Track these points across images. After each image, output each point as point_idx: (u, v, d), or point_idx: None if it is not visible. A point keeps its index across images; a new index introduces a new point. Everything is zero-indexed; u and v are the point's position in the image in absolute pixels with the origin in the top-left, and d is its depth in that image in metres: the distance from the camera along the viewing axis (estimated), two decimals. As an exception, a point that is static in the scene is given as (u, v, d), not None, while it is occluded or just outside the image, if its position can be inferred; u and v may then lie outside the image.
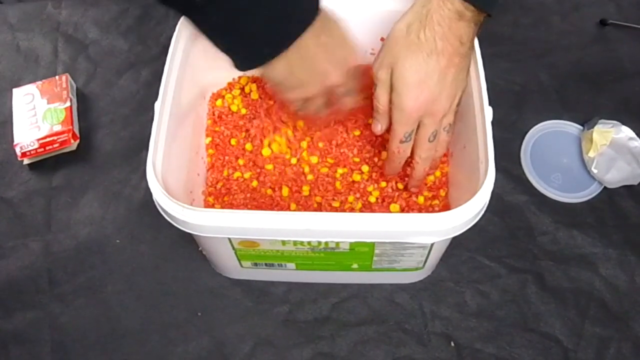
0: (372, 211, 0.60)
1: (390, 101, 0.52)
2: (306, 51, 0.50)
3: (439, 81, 0.51)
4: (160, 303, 0.62)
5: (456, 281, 0.62)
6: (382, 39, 0.64)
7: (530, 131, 0.71)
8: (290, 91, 0.54)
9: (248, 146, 0.64)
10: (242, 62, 0.51)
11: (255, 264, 0.58)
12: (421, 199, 0.60)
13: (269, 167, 0.62)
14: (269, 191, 0.61)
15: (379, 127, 0.55)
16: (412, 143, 0.55)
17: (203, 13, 0.48)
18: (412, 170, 0.57)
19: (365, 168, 0.62)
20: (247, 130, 0.65)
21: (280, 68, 0.51)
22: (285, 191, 0.61)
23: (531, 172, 0.69)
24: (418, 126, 0.53)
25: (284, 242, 0.51)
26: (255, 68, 0.52)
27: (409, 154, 0.56)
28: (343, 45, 0.53)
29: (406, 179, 0.60)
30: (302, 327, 0.61)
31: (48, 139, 0.69)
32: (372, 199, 0.60)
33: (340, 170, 0.62)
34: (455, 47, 0.50)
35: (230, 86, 0.68)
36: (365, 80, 0.56)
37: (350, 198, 0.60)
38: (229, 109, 0.66)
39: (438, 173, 0.62)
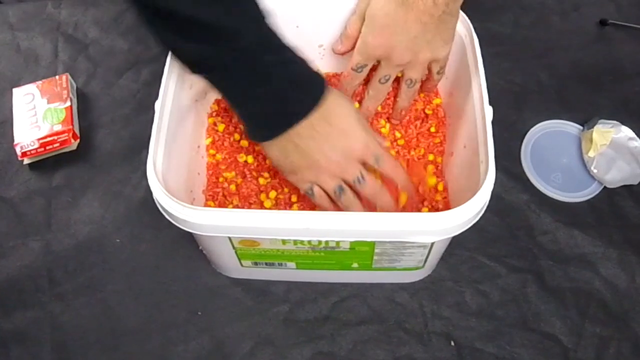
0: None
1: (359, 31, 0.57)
2: (299, 140, 0.51)
3: (401, 31, 0.53)
4: (160, 302, 0.62)
5: (456, 280, 0.63)
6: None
7: (530, 131, 0.71)
8: (287, 175, 0.55)
9: (243, 142, 0.64)
10: (246, 133, 0.55)
11: (256, 263, 0.58)
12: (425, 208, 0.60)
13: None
14: (273, 193, 0.61)
15: (339, 47, 0.60)
16: (363, 75, 0.59)
17: (211, 77, 0.50)
18: (360, 106, 0.62)
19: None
20: None
21: (275, 151, 0.53)
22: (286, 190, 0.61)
23: (531, 171, 0.69)
24: (376, 65, 0.58)
25: (284, 242, 0.51)
26: (264, 140, 0.53)
27: (357, 85, 0.61)
28: (344, 135, 0.52)
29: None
30: (302, 326, 0.61)
31: (48, 139, 0.69)
32: None
33: None
34: (427, 6, 0.51)
35: None
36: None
37: None
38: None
39: (434, 181, 0.62)
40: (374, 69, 0.59)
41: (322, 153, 0.51)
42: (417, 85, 0.59)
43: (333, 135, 0.51)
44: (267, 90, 0.49)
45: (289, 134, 0.51)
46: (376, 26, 0.54)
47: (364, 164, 0.53)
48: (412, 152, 0.63)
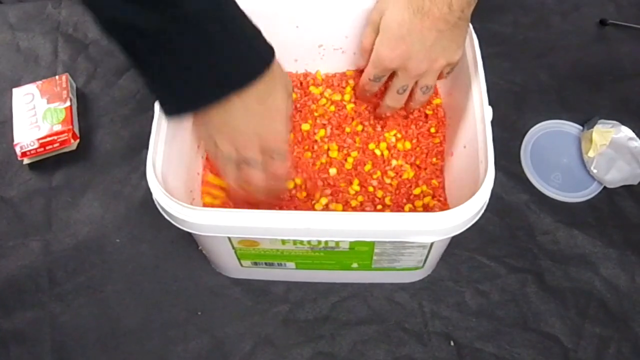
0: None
1: (373, 43, 0.55)
2: (226, 114, 0.48)
3: (418, 40, 0.52)
4: (160, 302, 0.62)
5: (456, 281, 0.62)
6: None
7: (530, 131, 0.71)
8: (221, 143, 0.51)
9: None
10: (177, 103, 0.48)
11: (255, 263, 0.58)
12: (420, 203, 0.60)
13: None
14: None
15: (361, 62, 0.60)
16: (379, 84, 0.59)
17: (147, 44, 0.45)
18: (378, 107, 0.62)
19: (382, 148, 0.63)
20: None
21: (216, 116, 0.48)
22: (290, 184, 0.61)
23: (531, 171, 0.69)
24: (393, 74, 0.57)
25: (283, 242, 0.51)
26: (189, 112, 0.49)
27: (374, 92, 0.61)
28: (268, 119, 0.50)
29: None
30: (302, 326, 0.61)
31: (48, 139, 0.69)
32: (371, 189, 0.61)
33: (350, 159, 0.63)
34: (443, 13, 0.50)
35: None
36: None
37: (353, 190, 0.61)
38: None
39: (434, 182, 0.62)
40: (389, 77, 0.58)
41: (241, 128, 0.49)
42: (432, 91, 0.59)
43: (258, 117, 0.49)
44: (205, 60, 0.45)
45: (219, 107, 0.47)
46: (391, 37, 0.53)
47: (263, 152, 0.51)
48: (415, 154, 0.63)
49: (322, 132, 0.64)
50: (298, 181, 0.61)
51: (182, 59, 0.45)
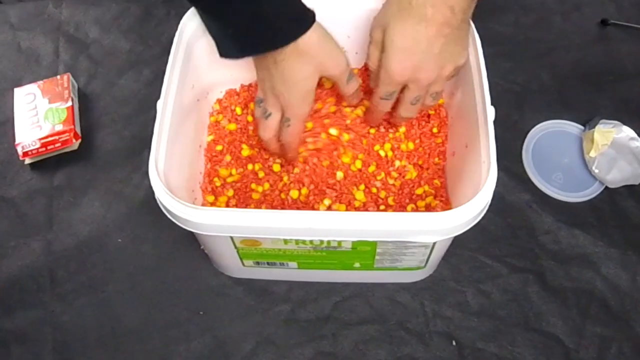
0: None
1: (380, 60, 0.54)
2: (275, 64, 0.52)
3: (426, 49, 0.51)
4: (161, 302, 0.62)
5: (458, 280, 0.63)
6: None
7: (532, 131, 0.71)
8: (260, 86, 0.55)
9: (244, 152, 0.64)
10: (233, 47, 0.52)
11: (257, 263, 0.58)
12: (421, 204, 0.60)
13: (276, 168, 0.62)
14: (267, 185, 0.61)
15: (372, 83, 0.57)
16: (393, 101, 0.57)
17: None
18: (391, 118, 0.61)
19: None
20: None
21: (268, 66, 0.52)
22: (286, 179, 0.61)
23: (533, 171, 0.69)
24: (404, 87, 0.55)
25: (285, 241, 0.51)
26: (243, 56, 0.52)
27: (387, 110, 0.58)
28: (294, 84, 0.53)
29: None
30: (303, 326, 0.61)
31: (49, 139, 0.69)
32: (374, 190, 0.61)
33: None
34: (446, 17, 0.50)
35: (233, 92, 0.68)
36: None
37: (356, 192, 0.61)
38: (232, 108, 0.66)
39: (436, 182, 0.62)
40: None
41: (283, 84, 0.53)
42: (441, 95, 0.58)
43: (278, 78, 0.53)
44: (264, 9, 0.48)
45: (268, 57, 0.51)
46: (397, 51, 0.52)
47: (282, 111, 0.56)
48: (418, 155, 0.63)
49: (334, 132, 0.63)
50: (304, 191, 0.60)
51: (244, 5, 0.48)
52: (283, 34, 0.50)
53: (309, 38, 0.50)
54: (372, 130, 0.64)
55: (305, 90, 0.54)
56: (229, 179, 0.62)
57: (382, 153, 0.62)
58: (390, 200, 0.60)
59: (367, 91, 0.63)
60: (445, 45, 0.51)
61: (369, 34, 0.55)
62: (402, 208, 0.60)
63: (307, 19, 0.51)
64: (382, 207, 0.60)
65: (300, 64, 0.52)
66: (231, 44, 0.51)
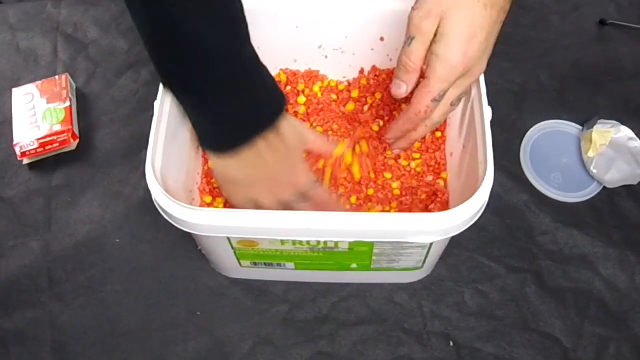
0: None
1: (430, 54, 0.48)
2: (265, 149, 0.50)
3: (487, 38, 0.47)
4: (160, 302, 0.62)
5: (456, 281, 0.62)
6: (381, 39, 0.64)
7: (530, 131, 0.71)
8: (235, 189, 0.53)
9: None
10: (203, 141, 0.52)
11: (255, 264, 0.58)
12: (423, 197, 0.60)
13: None
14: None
15: (403, 89, 0.50)
16: (448, 104, 0.51)
17: (177, 89, 0.50)
18: (413, 131, 0.55)
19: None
20: None
21: (234, 163, 0.51)
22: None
23: (531, 171, 0.69)
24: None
25: (283, 242, 0.51)
26: (214, 151, 0.51)
27: (437, 119, 0.52)
28: (296, 155, 0.53)
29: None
30: (301, 326, 0.61)
31: (48, 139, 0.69)
32: (371, 192, 0.61)
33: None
34: (505, 1, 0.47)
35: None
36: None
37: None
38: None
39: (431, 175, 0.62)
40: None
41: (282, 165, 0.51)
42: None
43: (283, 158, 0.51)
44: (242, 95, 0.48)
45: (257, 143, 0.49)
46: (462, 39, 0.47)
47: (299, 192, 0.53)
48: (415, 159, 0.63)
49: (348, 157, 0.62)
50: None
51: (220, 94, 0.48)
52: (280, 102, 0.51)
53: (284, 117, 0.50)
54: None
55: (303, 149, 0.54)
56: None
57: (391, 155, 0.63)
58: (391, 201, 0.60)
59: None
60: (497, 33, 0.48)
61: (408, 29, 0.49)
62: (400, 208, 0.60)
63: (282, 97, 0.51)
64: (386, 207, 0.60)
65: (292, 129, 0.51)
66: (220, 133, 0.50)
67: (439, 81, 0.48)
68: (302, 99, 0.66)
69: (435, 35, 0.48)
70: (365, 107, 0.66)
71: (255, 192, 0.52)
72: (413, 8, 0.49)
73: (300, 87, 0.67)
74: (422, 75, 0.51)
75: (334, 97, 0.67)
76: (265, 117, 0.50)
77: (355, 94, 0.66)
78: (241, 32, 0.47)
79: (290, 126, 0.51)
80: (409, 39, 0.49)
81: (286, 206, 0.53)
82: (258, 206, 0.52)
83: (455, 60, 0.47)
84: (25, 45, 0.81)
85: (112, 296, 0.63)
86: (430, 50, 0.48)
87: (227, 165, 0.51)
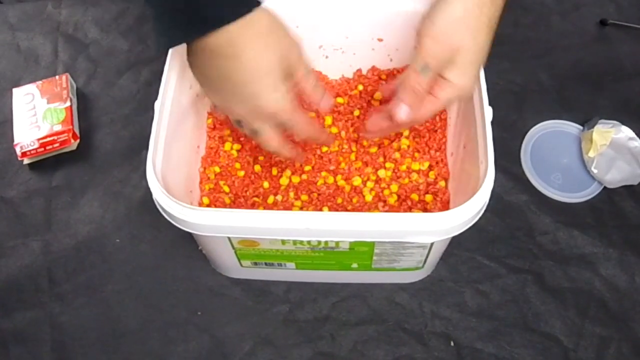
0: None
1: (441, 77, 0.49)
2: (217, 56, 0.43)
3: (474, 28, 0.48)
4: (160, 302, 0.62)
5: (456, 281, 0.62)
6: (379, 40, 0.64)
7: (530, 131, 0.71)
8: (213, 94, 0.48)
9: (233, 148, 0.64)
10: (162, 37, 0.44)
11: (255, 264, 0.58)
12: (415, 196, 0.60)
13: (274, 172, 0.62)
14: (266, 184, 0.61)
15: (406, 114, 0.50)
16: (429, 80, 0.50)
17: None
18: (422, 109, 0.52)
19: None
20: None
21: (195, 62, 0.46)
22: (284, 180, 0.61)
23: (531, 171, 0.69)
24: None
25: (283, 242, 0.51)
26: (172, 46, 0.47)
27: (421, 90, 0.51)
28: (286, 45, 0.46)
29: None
30: (302, 326, 0.61)
31: (48, 139, 0.69)
32: (371, 185, 0.61)
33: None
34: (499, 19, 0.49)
35: None
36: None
37: (357, 181, 0.61)
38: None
39: (432, 175, 0.62)
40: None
41: (243, 77, 0.45)
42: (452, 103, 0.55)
43: (237, 75, 0.45)
44: None
45: (205, 44, 0.43)
46: (476, 67, 0.50)
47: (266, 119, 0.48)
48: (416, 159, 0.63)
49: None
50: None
51: None
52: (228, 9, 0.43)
53: (259, 19, 0.44)
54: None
55: (275, 73, 0.46)
56: (224, 185, 0.62)
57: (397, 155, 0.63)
58: (391, 200, 0.60)
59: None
60: (489, 40, 0.49)
61: (422, 56, 0.49)
62: (400, 208, 0.60)
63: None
64: (386, 207, 0.60)
65: (256, 43, 0.44)
66: (170, 28, 0.43)
67: (447, 102, 0.51)
68: None
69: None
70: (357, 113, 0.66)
71: (220, 100, 0.47)
72: (425, 34, 0.49)
73: None
74: None
75: (341, 100, 0.67)
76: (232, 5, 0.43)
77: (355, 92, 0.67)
78: None
79: (268, 26, 0.44)
80: (424, 68, 0.49)
81: (251, 134, 0.49)
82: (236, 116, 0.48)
83: (469, 86, 0.50)
84: (25, 45, 0.81)
85: (112, 296, 0.63)
86: (440, 73, 0.49)
87: (190, 62, 0.47)
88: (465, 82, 0.50)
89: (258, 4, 0.45)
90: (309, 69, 0.50)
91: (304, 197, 0.60)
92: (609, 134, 0.69)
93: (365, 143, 0.63)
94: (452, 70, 0.49)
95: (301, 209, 0.60)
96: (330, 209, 0.60)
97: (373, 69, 0.67)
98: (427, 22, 0.49)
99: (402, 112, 0.50)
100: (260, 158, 0.63)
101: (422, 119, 0.53)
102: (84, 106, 0.75)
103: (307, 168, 0.62)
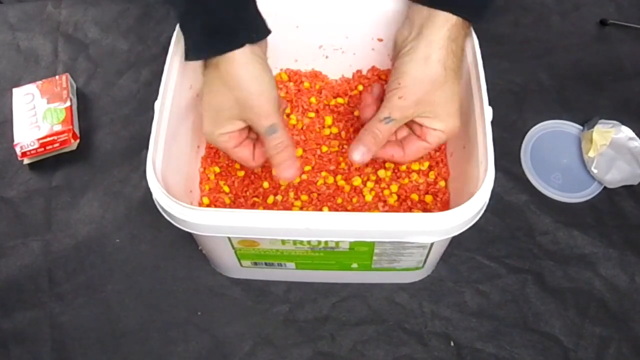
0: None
1: (423, 126, 0.52)
2: (226, 73, 0.49)
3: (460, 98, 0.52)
4: (160, 302, 0.62)
5: (456, 281, 0.62)
6: (379, 40, 0.64)
7: (530, 131, 0.71)
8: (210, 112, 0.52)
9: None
10: (193, 49, 0.50)
11: (255, 264, 0.58)
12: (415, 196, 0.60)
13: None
14: (266, 184, 0.61)
15: (360, 154, 0.52)
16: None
17: None
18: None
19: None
20: None
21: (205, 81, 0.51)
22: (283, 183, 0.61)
23: (531, 171, 0.69)
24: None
25: (283, 242, 0.51)
26: (199, 59, 0.51)
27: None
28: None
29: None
30: (302, 326, 0.61)
31: (48, 139, 0.69)
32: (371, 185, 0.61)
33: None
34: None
35: None
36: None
37: (357, 181, 0.61)
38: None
39: (432, 175, 0.62)
40: None
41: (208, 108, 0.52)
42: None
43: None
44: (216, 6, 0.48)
45: (219, 61, 0.49)
46: (453, 113, 0.52)
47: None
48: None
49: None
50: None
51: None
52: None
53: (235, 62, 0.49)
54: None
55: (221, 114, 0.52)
56: (224, 185, 0.62)
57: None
58: (390, 200, 0.60)
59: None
60: (457, 85, 0.52)
61: (388, 108, 0.51)
62: (400, 208, 0.60)
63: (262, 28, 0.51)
64: (385, 207, 0.60)
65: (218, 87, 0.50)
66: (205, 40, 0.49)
67: (439, 144, 0.54)
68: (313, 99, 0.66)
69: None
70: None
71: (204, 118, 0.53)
72: (391, 89, 0.51)
73: (306, 85, 0.67)
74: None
75: (341, 100, 0.67)
76: (217, 45, 0.48)
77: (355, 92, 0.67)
78: None
79: (237, 72, 0.49)
80: (387, 119, 0.51)
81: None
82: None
83: (456, 127, 0.53)
84: (25, 45, 0.81)
85: (112, 296, 0.63)
86: (420, 122, 0.53)
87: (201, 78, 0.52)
88: (451, 127, 0.53)
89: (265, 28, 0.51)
90: (275, 128, 0.51)
91: (304, 197, 0.60)
92: (609, 134, 0.69)
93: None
94: (434, 122, 0.52)
95: (301, 209, 0.60)
96: (330, 209, 0.60)
97: (373, 69, 0.67)
98: (393, 78, 0.51)
99: (358, 153, 0.52)
100: None
101: (415, 160, 0.58)
102: (84, 106, 0.75)
103: (307, 168, 0.62)
